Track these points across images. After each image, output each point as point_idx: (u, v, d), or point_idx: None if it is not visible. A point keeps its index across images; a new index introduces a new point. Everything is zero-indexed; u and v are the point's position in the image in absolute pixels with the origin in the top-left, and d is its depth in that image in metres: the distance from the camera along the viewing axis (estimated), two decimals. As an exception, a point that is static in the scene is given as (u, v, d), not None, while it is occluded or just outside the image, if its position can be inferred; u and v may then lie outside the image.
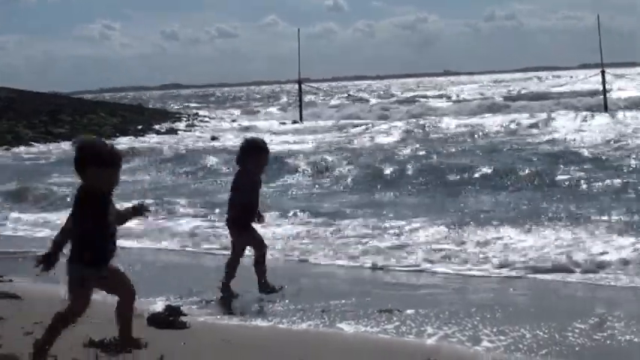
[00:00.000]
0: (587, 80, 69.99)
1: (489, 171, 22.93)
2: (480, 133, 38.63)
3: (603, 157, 25.44)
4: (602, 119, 42.82)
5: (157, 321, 9.14)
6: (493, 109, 60.68)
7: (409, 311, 9.59)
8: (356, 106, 76.56)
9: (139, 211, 7.47)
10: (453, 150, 29.81)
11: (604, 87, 57.88)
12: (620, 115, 44.27)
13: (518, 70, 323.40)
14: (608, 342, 8.21)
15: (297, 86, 67.83)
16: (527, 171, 22.40)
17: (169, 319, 9.19)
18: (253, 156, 10.44)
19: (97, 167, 6.89)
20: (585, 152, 26.78)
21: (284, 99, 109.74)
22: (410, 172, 24.21)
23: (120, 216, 7.32)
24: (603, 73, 58.02)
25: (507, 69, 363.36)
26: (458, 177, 22.80)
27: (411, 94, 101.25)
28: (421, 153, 28.98)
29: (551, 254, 12.18)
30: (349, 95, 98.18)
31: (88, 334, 8.04)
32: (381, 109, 69.38)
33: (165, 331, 8.86)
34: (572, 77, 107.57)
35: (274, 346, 8.27)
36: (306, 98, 77.80)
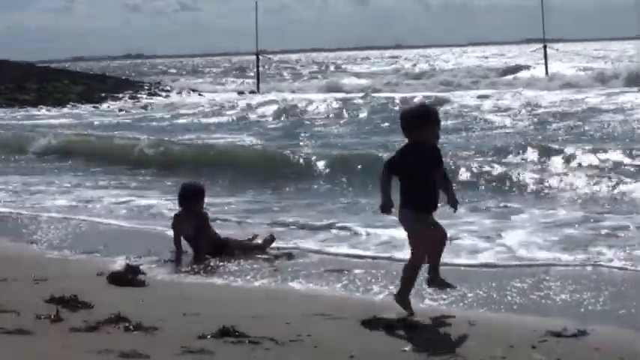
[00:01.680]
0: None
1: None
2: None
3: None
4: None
5: (117, 279, 9.52)
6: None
7: (357, 271, 10.07)
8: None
9: None
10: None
11: (545, 61, 59.31)
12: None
13: (464, 44, 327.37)
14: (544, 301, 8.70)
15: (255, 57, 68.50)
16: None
17: (128, 278, 9.57)
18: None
19: (430, 124, 7.87)
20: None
21: (244, 71, 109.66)
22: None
23: None
24: (545, 47, 59.67)
25: (455, 43, 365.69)
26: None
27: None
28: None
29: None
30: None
31: (50, 291, 8.40)
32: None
33: (125, 288, 9.27)
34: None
35: (229, 302, 8.68)
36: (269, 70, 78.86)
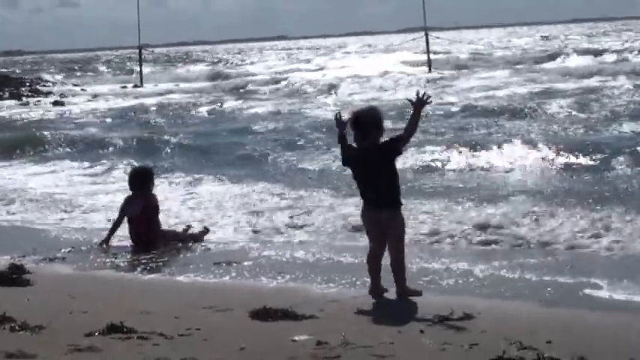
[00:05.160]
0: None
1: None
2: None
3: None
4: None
5: (1, 279, 9.29)
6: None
7: (246, 263, 10.08)
8: None
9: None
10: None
11: (427, 49, 60.29)
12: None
13: (344, 34, 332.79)
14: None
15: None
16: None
17: (12, 277, 9.36)
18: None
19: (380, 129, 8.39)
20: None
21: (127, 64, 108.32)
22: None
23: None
24: (427, 35, 60.78)
25: (336, 33, 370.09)
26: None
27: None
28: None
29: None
30: None
31: None
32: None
33: (10, 288, 9.06)
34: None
35: (117, 298, 8.59)
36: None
